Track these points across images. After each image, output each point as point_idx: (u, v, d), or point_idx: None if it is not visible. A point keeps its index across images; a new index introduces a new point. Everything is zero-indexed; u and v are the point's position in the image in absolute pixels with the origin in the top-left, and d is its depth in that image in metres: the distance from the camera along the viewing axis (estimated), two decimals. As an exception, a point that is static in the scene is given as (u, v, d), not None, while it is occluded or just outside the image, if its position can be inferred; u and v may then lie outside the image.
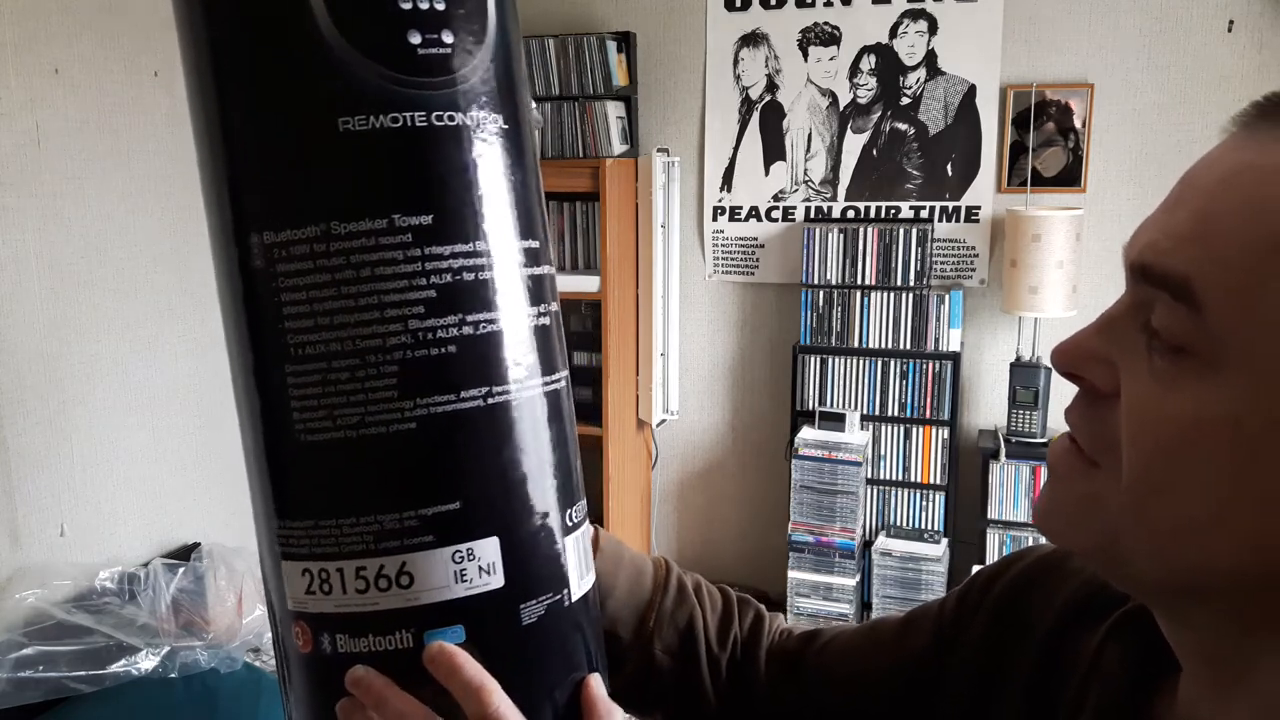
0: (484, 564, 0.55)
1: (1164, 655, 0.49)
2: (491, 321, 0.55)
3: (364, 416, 0.53)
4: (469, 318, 0.54)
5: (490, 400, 0.55)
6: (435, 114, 0.54)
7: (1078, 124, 2.84)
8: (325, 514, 0.54)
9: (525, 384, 0.56)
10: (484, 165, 0.56)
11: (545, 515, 0.57)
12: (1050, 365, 2.75)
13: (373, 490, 0.54)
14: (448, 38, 0.55)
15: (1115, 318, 0.45)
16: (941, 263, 3.03)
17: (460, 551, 0.54)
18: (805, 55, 3.08)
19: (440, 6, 0.55)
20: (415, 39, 0.54)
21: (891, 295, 2.94)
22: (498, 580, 0.55)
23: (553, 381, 0.59)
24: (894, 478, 3.03)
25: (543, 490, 0.57)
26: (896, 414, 2.99)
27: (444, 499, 0.54)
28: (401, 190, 0.54)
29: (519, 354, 0.56)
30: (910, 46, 2.98)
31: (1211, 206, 0.41)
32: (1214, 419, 0.40)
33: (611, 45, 3.02)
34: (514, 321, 0.56)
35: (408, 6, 0.54)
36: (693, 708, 0.71)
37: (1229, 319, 0.39)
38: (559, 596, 0.57)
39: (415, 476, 0.54)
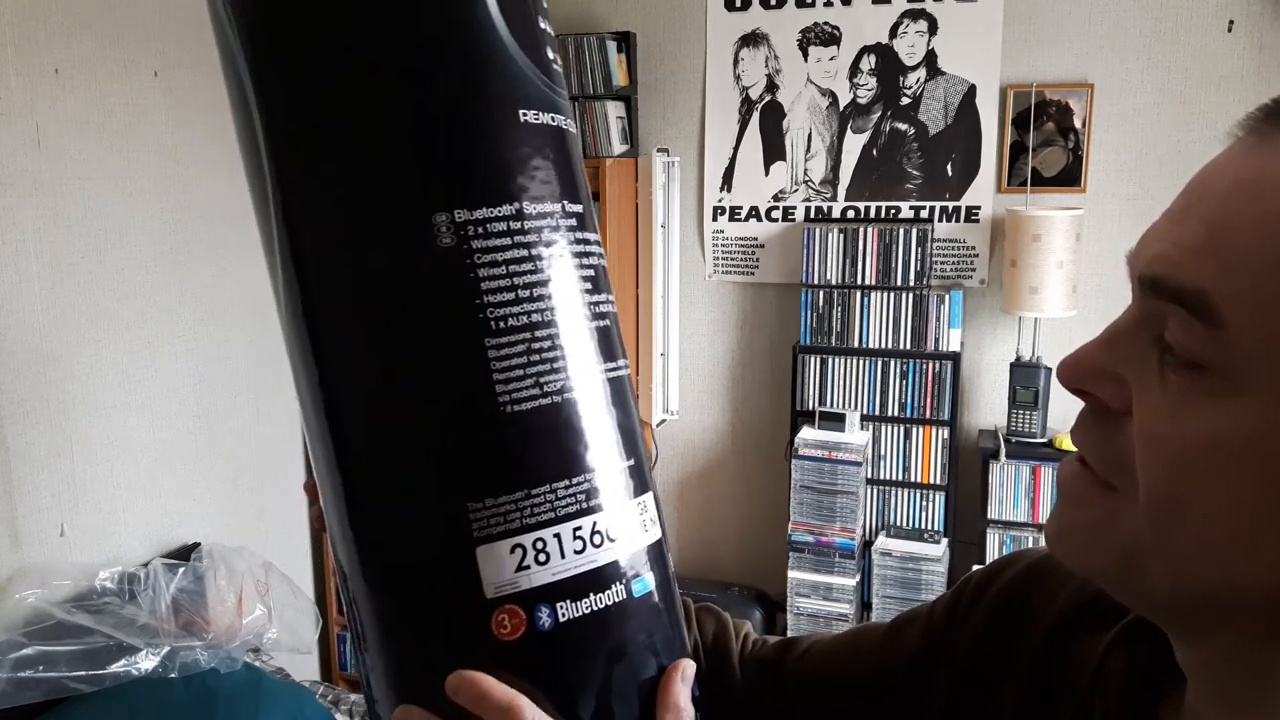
0: (651, 516, 0.60)
1: (1170, 663, 0.48)
2: (612, 302, 0.63)
3: (566, 381, 0.56)
4: (608, 297, 0.62)
5: (625, 371, 0.62)
6: (568, 120, 0.62)
7: (1077, 124, 2.85)
8: (539, 481, 0.55)
9: (627, 361, 0.64)
10: (583, 169, 0.64)
11: (653, 476, 0.64)
12: (1050, 366, 2.72)
13: (583, 450, 0.57)
14: (559, 58, 0.64)
15: (1122, 331, 0.44)
16: (941, 263, 3.03)
17: (641, 502, 0.59)
18: (805, 55, 3.08)
19: (550, 30, 0.63)
20: (550, 54, 0.62)
21: (891, 295, 2.94)
22: (658, 530, 0.61)
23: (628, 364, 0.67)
24: (894, 478, 3.03)
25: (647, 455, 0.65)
26: (896, 414, 2.99)
27: (626, 456, 0.59)
28: (563, 180, 0.60)
29: (620, 335, 0.64)
30: (910, 46, 2.98)
31: (1224, 216, 0.39)
32: (1235, 438, 0.39)
33: (611, 45, 3.02)
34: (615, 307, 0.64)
35: (542, 25, 0.62)
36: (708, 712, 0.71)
37: (1250, 336, 0.38)
38: (670, 549, 0.64)
39: (611, 434, 0.58)
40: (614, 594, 0.56)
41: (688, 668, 0.58)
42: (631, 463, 0.59)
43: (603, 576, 0.56)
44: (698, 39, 3.17)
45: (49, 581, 1.86)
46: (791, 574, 3.01)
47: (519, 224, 0.56)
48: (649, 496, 0.60)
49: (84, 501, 2.02)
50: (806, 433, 3.01)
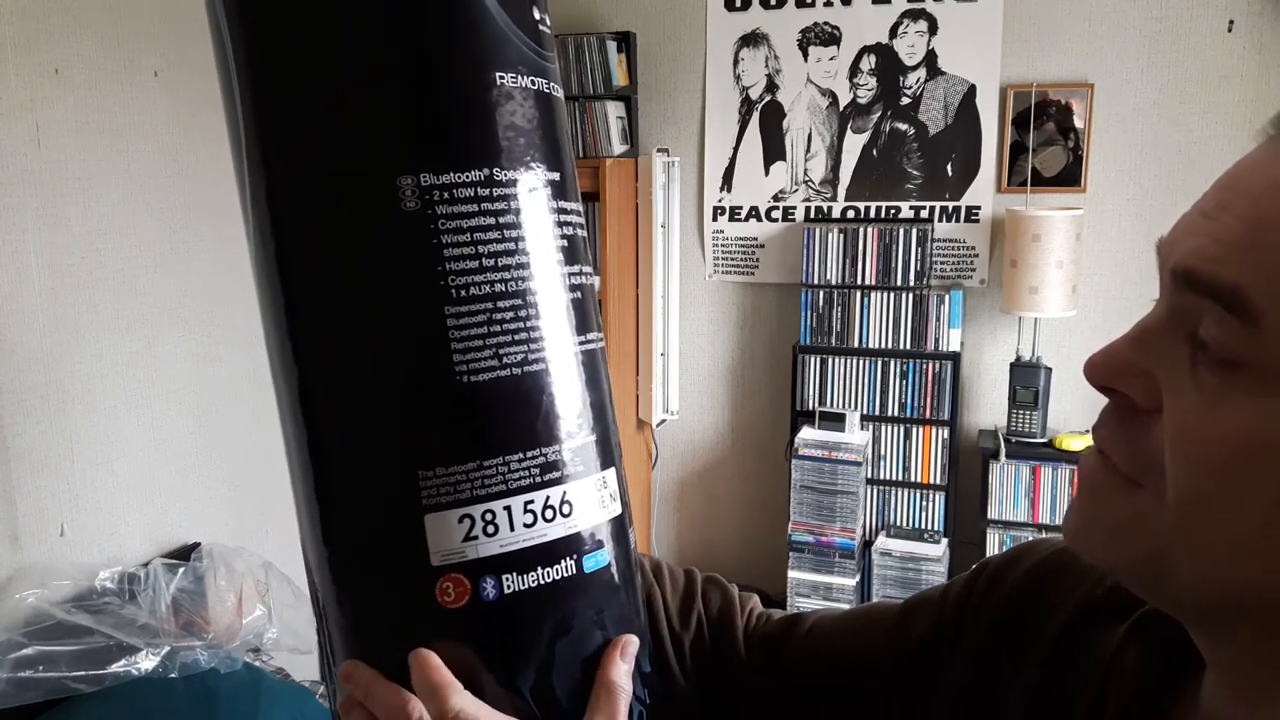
0: (611, 491, 0.60)
1: (1185, 656, 0.48)
2: (590, 275, 0.62)
3: (527, 354, 0.56)
4: (583, 269, 0.60)
5: (598, 344, 0.61)
6: (552, 84, 0.60)
7: (1078, 124, 2.85)
8: (492, 452, 0.55)
9: (602, 335, 0.63)
10: (567, 135, 0.62)
11: (620, 451, 0.63)
12: (1051, 366, 2.71)
13: (540, 424, 0.56)
14: (548, 19, 0.61)
15: (1152, 328, 0.43)
16: (941, 263, 3.03)
17: (600, 479, 0.59)
18: (805, 55, 3.08)
19: None
20: (536, 14, 0.60)
21: (891, 295, 2.94)
22: (619, 506, 0.60)
23: (603, 338, 0.65)
24: (894, 478, 3.03)
25: (618, 429, 0.63)
26: (896, 414, 2.99)
27: (589, 430, 0.58)
28: (542, 145, 0.58)
29: (598, 308, 0.63)
30: (910, 46, 2.98)
31: (1262, 214, 0.39)
32: (1269, 437, 0.38)
33: (611, 45, 3.02)
34: (594, 278, 0.63)
35: None
36: (660, 689, 0.71)
37: None
38: (633, 525, 0.63)
39: (570, 409, 0.57)
40: (563, 568, 0.56)
41: (629, 644, 0.59)
42: (594, 438, 0.59)
43: (553, 550, 0.56)
44: (698, 39, 3.17)
45: (49, 581, 1.86)
46: (791, 574, 3.01)
47: (488, 190, 0.55)
48: (611, 472, 0.60)
49: (84, 501, 2.02)
50: (806, 433, 3.01)
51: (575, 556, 0.56)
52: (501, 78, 0.56)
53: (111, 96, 2.04)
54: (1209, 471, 0.40)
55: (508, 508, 0.54)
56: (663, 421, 3.32)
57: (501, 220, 0.55)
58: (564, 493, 0.56)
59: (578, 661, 0.56)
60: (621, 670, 0.58)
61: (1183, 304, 0.42)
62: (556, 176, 0.59)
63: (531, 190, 0.57)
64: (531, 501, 0.55)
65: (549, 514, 0.56)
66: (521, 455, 0.55)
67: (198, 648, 1.84)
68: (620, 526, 0.60)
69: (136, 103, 2.10)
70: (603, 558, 0.58)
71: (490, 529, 0.54)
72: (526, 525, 0.55)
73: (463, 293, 0.54)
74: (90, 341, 2.02)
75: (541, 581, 0.55)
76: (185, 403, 2.25)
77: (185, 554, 2.12)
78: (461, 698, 0.53)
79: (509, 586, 0.54)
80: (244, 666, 1.90)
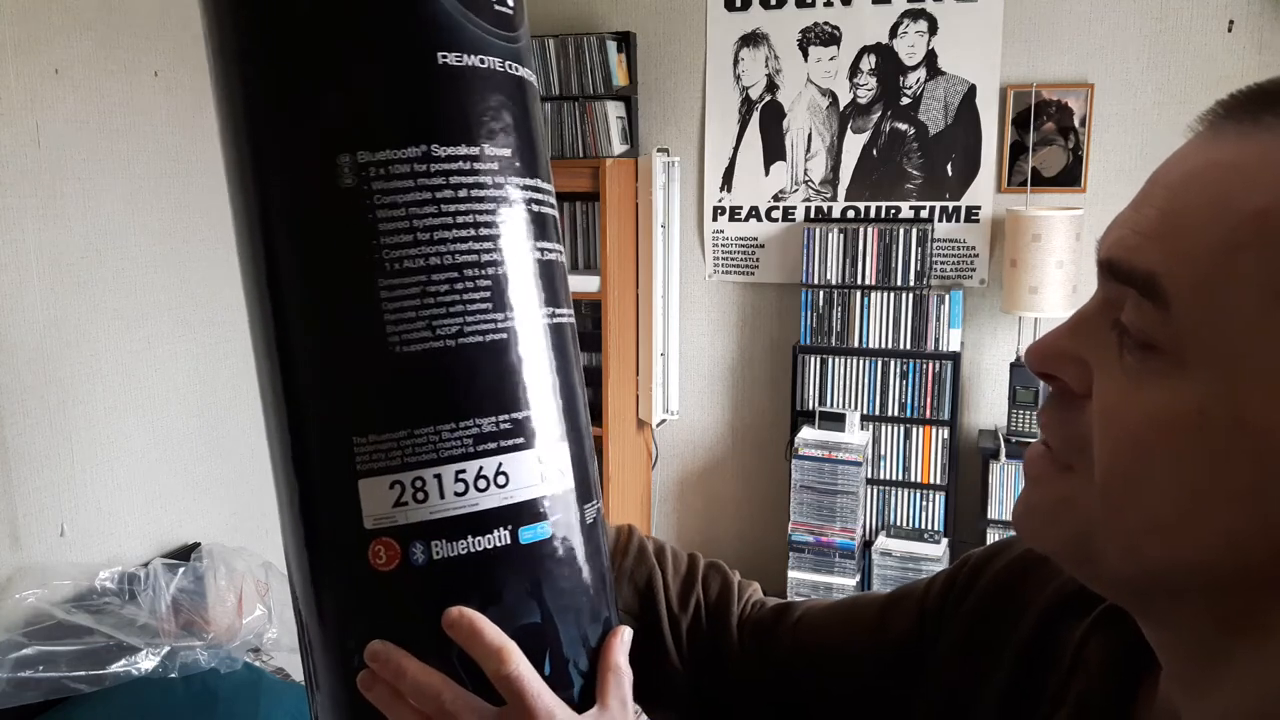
0: (559, 466, 0.60)
1: (1146, 649, 0.49)
2: (556, 251, 0.62)
3: (463, 326, 0.56)
4: (539, 244, 0.61)
5: (556, 319, 0.61)
6: (509, 63, 0.61)
7: (1077, 124, 2.85)
8: (423, 421, 0.56)
9: (568, 310, 0.64)
10: (534, 114, 0.63)
11: (587, 428, 0.64)
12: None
13: (474, 395, 0.57)
14: (510, 1, 0.62)
15: (1086, 316, 0.45)
16: (941, 263, 3.03)
17: (543, 453, 0.59)
18: (805, 55, 3.08)
19: None
20: None
21: (891, 295, 2.94)
22: (568, 481, 0.60)
23: (571, 314, 0.65)
24: (894, 478, 3.03)
25: (584, 405, 0.64)
26: (896, 414, 3.00)
27: (531, 404, 0.58)
28: (488, 123, 0.59)
29: (566, 284, 0.64)
30: (910, 46, 2.98)
31: (1176, 203, 0.41)
32: (1182, 416, 0.40)
33: (611, 45, 3.02)
34: (561, 255, 0.63)
35: None
36: (658, 671, 0.71)
37: (1194, 315, 0.39)
38: (598, 504, 0.63)
39: (509, 382, 0.58)
40: (495, 538, 0.56)
41: (625, 632, 0.62)
42: (540, 411, 0.59)
43: (484, 520, 0.56)
44: (698, 39, 3.17)
45: (49, 581, 1.86)
46: (791, 574, 3.01)
47: (425, 166, 0.56)
48: (561, 447, 0.60)
49: (84, 501, 2.02)
50: (806, 433, 3.01)
51: (510, 527, 0.57)
52: (444, 58, 0.57)
53: (111, 96, 2.04)
54: (1128, 451, 0.41)
55: (438, 475, 0.56)
56: (663, 421, 3.32)
57: (439, 195, 0.56)
58: (499, 464, 0.57)
59: (508, 632, 0.57)
60: (624, 654, 0.60)
61: (1110, 292, 0.44)
62: (505, 153, 0.59)
63: (472, 168, 0.58)
64: (463, 471, 0.56)
65: (481, 484, 0.56)
66: (454, 425, 0.56)
67: (198, 648, 1.84)
68: (567, 502, 0.60)
69: (136, 103, 2.10)
70: (543, 530, 0.58)
71: (420, 495, 0.55)
72: (457, 494, 0.56)
73: (396, 265, 0.55)
74: (90, 341, 2.02)
75: (471, 549, 0.56)
76: (185, 403, 2.25)
77: (185, 554, 2.13)
78: (522, 661, 0.55)
79: (438, 553, 0.55)
80: (244, 666, 1.90)
